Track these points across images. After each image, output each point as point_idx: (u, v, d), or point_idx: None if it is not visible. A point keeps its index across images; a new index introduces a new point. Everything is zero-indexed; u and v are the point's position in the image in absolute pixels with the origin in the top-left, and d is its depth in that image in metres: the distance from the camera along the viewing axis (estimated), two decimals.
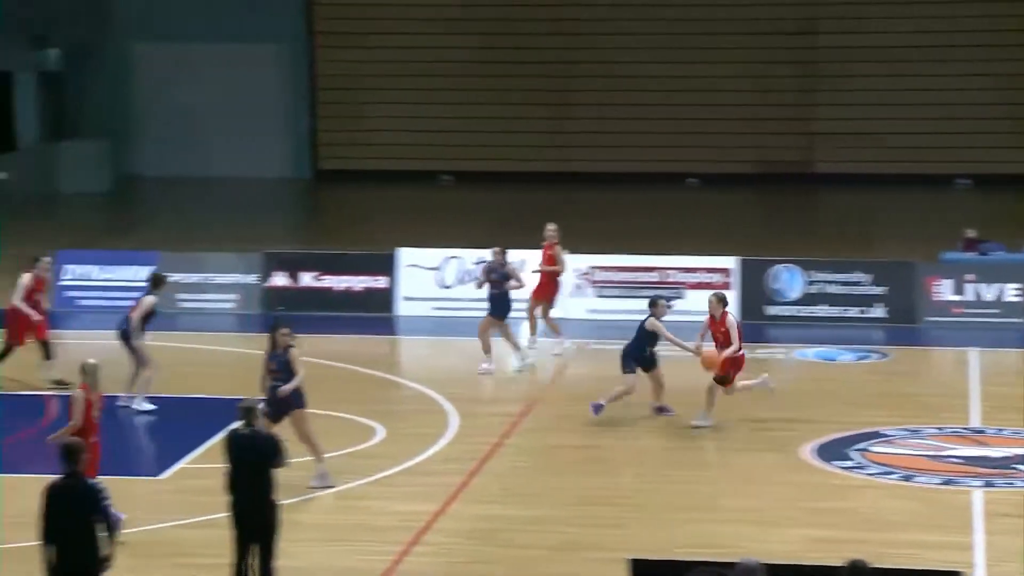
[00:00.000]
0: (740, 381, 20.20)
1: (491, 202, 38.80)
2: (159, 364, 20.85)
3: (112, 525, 12.88)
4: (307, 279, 27.16)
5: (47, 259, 22.27)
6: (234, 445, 14.25)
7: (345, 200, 40.95)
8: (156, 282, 21.32)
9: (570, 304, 26.44)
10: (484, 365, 22.82)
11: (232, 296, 27.26)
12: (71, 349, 21.78)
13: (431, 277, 26.66)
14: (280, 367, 17.56)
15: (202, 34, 42.69)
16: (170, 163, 42.91)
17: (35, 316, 21.64)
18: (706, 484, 18.16)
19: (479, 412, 20.64)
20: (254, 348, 24.87)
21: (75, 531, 12.77)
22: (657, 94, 41.84)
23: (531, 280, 23.84)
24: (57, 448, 13.23)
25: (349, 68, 42.79)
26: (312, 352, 24.11)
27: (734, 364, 19.91)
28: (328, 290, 27.11)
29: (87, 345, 23.15)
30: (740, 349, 19.92)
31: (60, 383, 21.26)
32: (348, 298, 26.79)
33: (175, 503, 17.37)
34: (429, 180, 42.05)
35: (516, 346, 23.05)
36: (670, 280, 26.62)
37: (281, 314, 18.83)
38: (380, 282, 26.89)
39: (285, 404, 17.47)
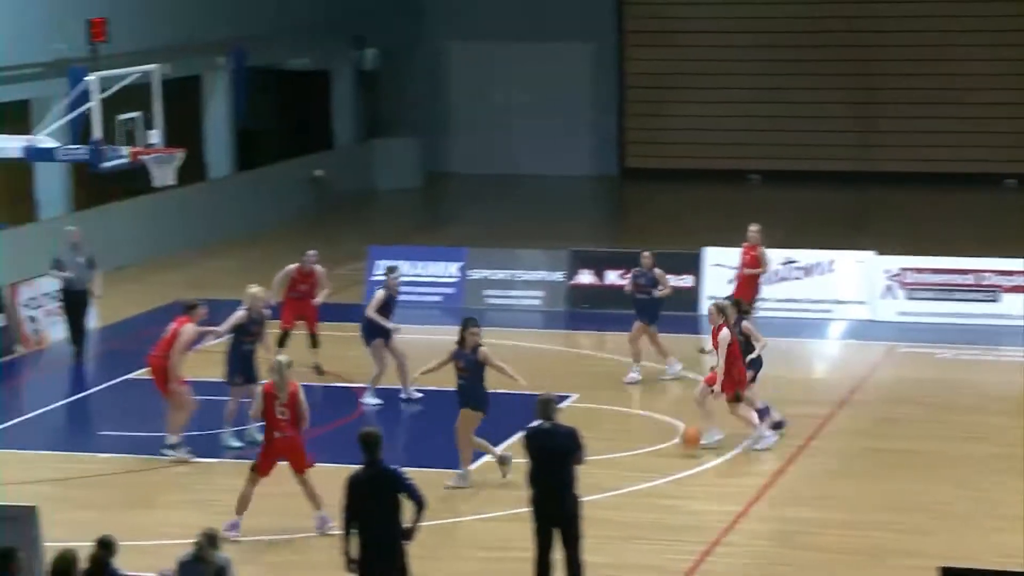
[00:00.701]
0: (749, 411, 19.01)
1: (798, 202, 38.28)
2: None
3: (419, 501, 13.07)
4: (612, 277, 27.15)
5: (313, 252, 22.78)
6: (535, 440, 14.31)
7: (650, 198, 40.89)
8: (388, 273, 21.53)
9: (879, 306, 25.91)
10: (632, 374, 22.40)
11: (538, 293, 27.45)
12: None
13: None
14: (468, 366, 17.63)
15: (513, 32, 43.15)
16: (479, 160, 43.46)
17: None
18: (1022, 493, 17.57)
19: (784, 413, 20.30)
20: (559, 345, 25.13)
21: (379, 515, 12.99)
22: (974, 92, 40.69)
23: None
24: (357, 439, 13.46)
25: (657, 67, 42.71)
26: (616, 350, 24.14)
27: (733, 381, 18.82)
28: None
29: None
30: (738, 363, 18.84)
31: (319, 369, 22.39)
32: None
33: (478, 496, 17.55)
34: (736, 179, 41.71)
35: (664, 353, 22.56)
36: (985, 283, 25.85)
37: (471, 315, 18.99)
38: (685, 281, 26.70)
39: (464, 400, 17.60)
